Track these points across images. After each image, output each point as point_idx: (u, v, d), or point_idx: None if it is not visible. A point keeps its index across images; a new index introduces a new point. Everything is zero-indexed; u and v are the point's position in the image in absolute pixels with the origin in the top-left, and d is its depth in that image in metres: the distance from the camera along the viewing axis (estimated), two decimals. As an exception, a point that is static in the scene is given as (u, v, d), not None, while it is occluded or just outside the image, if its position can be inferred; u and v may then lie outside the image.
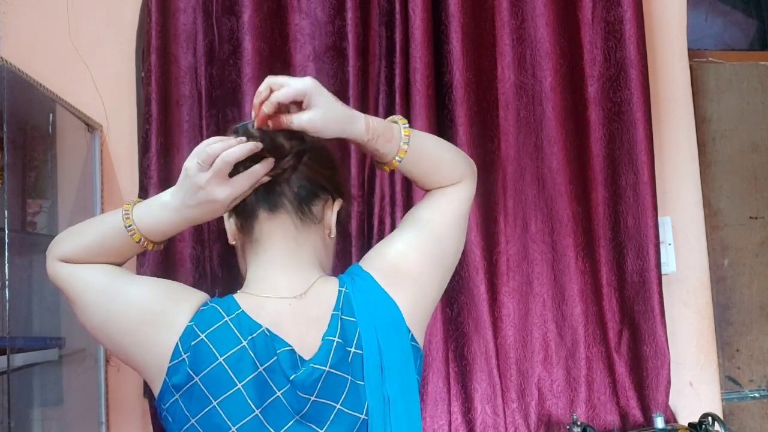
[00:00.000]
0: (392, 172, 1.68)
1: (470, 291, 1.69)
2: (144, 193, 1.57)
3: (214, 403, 0.77)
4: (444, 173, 0.94)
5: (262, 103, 0.82)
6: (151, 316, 0.81)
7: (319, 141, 0.90)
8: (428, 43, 1.68)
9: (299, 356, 0.81)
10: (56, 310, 1.55)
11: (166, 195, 0.84)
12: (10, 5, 1.72)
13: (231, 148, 0.79)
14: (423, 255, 0.90)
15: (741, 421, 1.99)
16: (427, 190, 0.97)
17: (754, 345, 2.02)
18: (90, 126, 1.67)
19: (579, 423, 1.60)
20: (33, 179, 1.57)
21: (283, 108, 0.83)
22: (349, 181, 1.64)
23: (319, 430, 0.80)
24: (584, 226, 1.77)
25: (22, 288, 1.45)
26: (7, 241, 1.28)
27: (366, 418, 0.82)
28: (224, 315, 0.81)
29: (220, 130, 1.66)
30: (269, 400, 0.79)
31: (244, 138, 0.82)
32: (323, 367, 0.81)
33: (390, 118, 0.92)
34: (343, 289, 0.86)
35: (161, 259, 1.58)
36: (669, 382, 1.73)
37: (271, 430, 0.78)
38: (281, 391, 0.79)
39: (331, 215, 0.92)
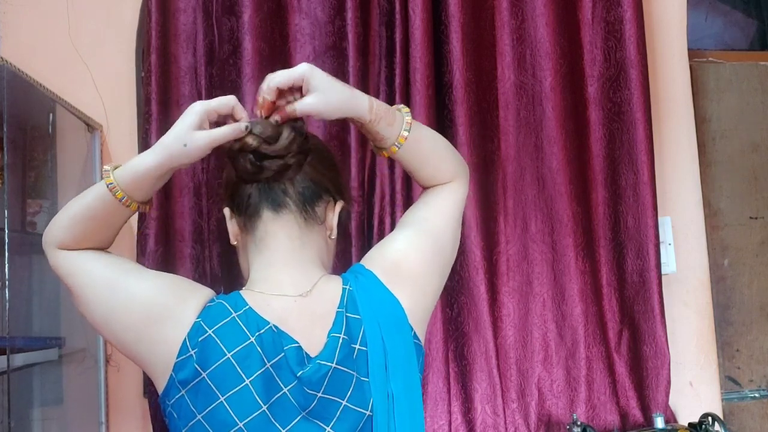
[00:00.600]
0: (392, 172, 1.68)
1: (470, 291, 1.69)
2: (144, 193, 1.57)
3: (222, 398, 0.77)
4: (439, 167, 0.96)
5: (267, 104, 0.85)
6: (158, 312, 0.81)
7: (321, 142, 0.92)
8: (428, 43, 1.68)
9: (306, 353, 0.82)
10: (56, 310, 1.55)
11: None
12: (10, 5, 1.72)
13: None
14: (422, 253, 0.91)
15: (741, 421, 1.99)
16: (424, 188, 0.99)
17: (754, 345, 2.02)
18: (90, 126, 1.67)
19: (579, 423, 1.60)
20: (33, 179, 1.57)
21: (285, 99, 0.85)
22: (349, 182, 1.64)
23: (325, 426, 0.81)
24: (584, 226, 1.77)
25: (22, 288, 1.46)
26: (7, 241, 1.28)
27: (371, 414, 0.82)
28: (232, 311, 0.81)
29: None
30: (276, 396, 0.79)
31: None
32: (330, 364, 0.81)
33: (394, 106, 0.94)
34: (347, 287, 0.87)
35: (161, 259, 1.58)
36: (669, 382, 1.73)
37: (278, 426, 0.78)
38: (288, 388, 0.80)
39: (333, 216, 0.93)
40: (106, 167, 0.85)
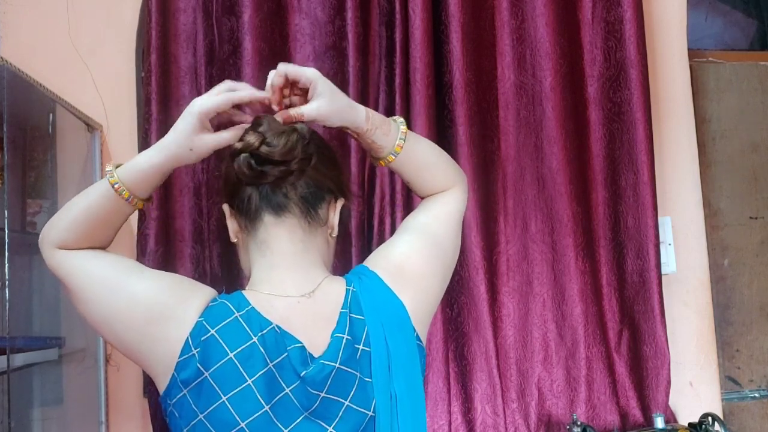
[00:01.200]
0: (392, 173, 1.68)
1: (470, 291, 1.69)
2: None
3: (224, 398, 0.77)
4: (436, 176, 0.98)
5: (275, 89, 0.87)
6: (159, 311, 0.81)
7: (322, 140, 0.92)
8: (428, 43, 1.68)
9: (309, 353, 0.82)
10: (56, 310, 1.55)
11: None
12: (10, 5, 1.72)
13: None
14: (424, 257, 0.92)
15: (741, 421, 1.99)
16: (422, 197, 1.01)
17: (754, 345, 2.02)
18: (90, 126, 1.67)
19: (579, 423, 1.60)
20: (33, 179, 1.57)
21: (285, 97, 0.88)
22: (350, 178, 1.64)
23: (327, 426, 0.81)
24: (584, 226, 1.77)
25: (22, 288, 1.46)
26: (7, 241, 1.28)
27: (373, 415, 0.82)
28: (234, 311, 0.81)
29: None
30: (278, 397, 0.79)
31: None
32: (333, 364, 0.81)
33: (390, 117, 0.95)
34: (351, 288, 0.87)
35: (161, 259, 1.58)
36: (669, 382, 1.74)
37: (280, 426, 0.78)
38: (290, 388, 0.80)
39: (335, 215, 0.93)
40: (108, 167, 0.85)
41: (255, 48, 1.64)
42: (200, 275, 1.62)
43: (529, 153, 1.78)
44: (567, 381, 1.74)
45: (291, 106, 0.89)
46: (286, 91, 0.88)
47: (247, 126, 0.85)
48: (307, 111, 0.85)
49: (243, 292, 0.85)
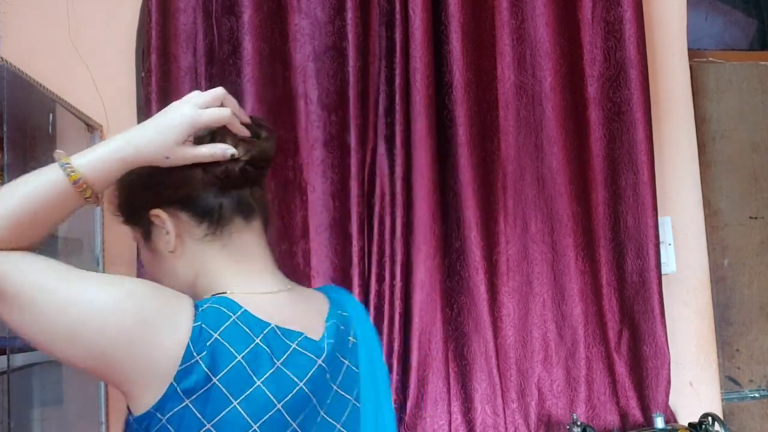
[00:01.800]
0: (392, 173, 1.68)
1: (470, 291, 1.69)
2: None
3: (235, 402, 0.74)
4: None
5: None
6: (151, 317, 0.73)
7: None
8: (428, 43, 1.68)
9: (311, 339, 0.82)
10: (56, 310, 1.55)
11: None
12: (10, 5, 1.72)
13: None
14: None
15: (741, 421, 1.99)
16: None
17: (754, 345, 2.02)
18: (90, 126, 1.67)
19: (579, 423, 1.60)
20: (33, 179, 1.56)
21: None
22: (349, 181, 1.66)
23: (320, 410, 0.81)
24: (584, 226, 1.77)
25: (22, 288, 1.45)
26: (7, 241, 1.28)
27: (357, 404, 0.83)
28: (230, 314, 0.78)
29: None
30: (290, 394, 0.78)
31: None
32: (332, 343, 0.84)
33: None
34: (323, 291, 0.91)
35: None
36: (669, 382, 1.74)
37: (292, 422, 0.78)
38: (303, 382, 0.79)
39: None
40: (62, 158, 0.76)
41: (255, 48, 1.64)
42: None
43: (529, 153, 1.78)
44: (567, 381, 1.74)
45: None
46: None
47: (231, 150, 0.81)
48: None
49: (225, 295, 0.81)
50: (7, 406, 1.22)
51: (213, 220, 0.83)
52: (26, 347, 1.40)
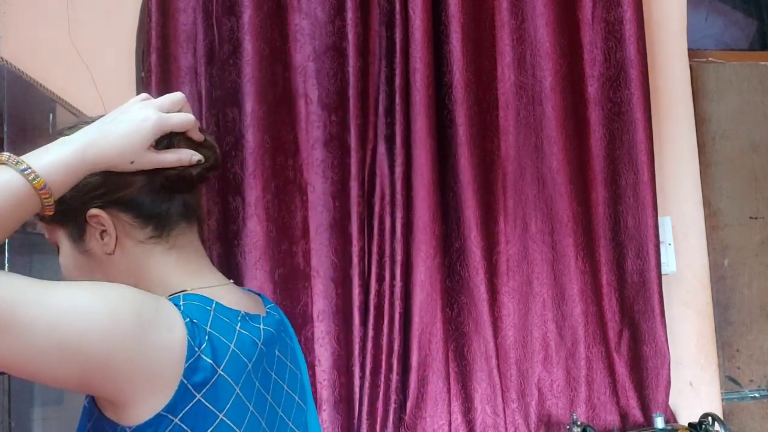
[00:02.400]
0: (392, 173, 1.68)
1: (470, 291, 1.69)
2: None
3: (237, 389, 0.76)
4: None
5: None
6: (147, 319, 0.70)
7: None
8: (428, 43, 1.68)
9: (267, 317, 0.91)
10: (56, 310, 1.54)
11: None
12: (10, 5, 1.72)
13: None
14: None
15: (741, 421, 1.99)
16: None
17: (754, 345, 2.02)
18: (90, 126, 1.66)
19: (579, 423, 1.60)
20: (33, 179, 1.56)
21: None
22: (349, 181, 1.66)
23: (283, 383, 0.88)
24: (584, 226, 1.77)
25: (22, 288, 1.45)
26: (7, 240, 1.28)
27: (296, 371, 0.93)
28: (207, 307, 0.78)
29: (220, 130, 1.66)
30: (273, 374, 0.85)
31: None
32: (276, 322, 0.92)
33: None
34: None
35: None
36: (669, 382, 1.74)
37: (279, 380, 0.86)
38: (287, 360, 0.90)
39: None
40: (18, 162, 0.68)
41: (255, 48, 1.64)
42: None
43: (529, 153, 1.78)
44: (567, 381, 1.74)
45: None
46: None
47: (197, 157, 0.80)
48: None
49: (190, 292, 0.80)
50: (8, 405, 1.22)
51: (160, 222, 0.82)
52: (26, 347, 1.39)
